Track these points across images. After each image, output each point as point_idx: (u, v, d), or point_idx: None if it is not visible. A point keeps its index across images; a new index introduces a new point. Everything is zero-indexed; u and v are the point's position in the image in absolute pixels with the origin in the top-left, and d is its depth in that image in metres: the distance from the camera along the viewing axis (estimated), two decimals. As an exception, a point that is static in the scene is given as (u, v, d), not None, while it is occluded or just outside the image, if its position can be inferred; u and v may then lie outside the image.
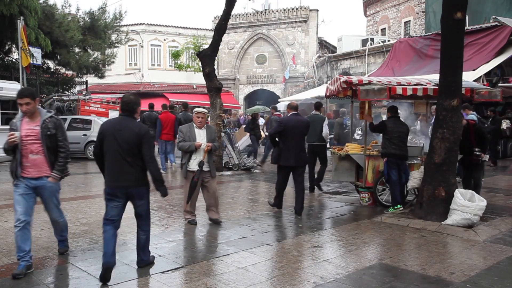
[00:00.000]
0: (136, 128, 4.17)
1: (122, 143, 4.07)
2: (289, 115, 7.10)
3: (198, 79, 24.77)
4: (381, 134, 7.25)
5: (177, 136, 6.11)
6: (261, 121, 17.47)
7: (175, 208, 7.25)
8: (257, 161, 13.24)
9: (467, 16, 7.26)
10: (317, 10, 31.54)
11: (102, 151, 4.17)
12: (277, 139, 6.91)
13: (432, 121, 9.43)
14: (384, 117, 9.90)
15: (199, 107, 6.49)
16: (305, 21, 31.10)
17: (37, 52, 14.27)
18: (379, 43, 22.53)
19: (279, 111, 19.33)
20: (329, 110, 19.65)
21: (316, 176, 8.89)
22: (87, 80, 23.03)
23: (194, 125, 6.00)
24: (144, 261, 4.34)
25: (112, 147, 4.09)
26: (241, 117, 21.32)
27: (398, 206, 6.92)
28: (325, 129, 8.77)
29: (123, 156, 4.07)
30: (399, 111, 7.47)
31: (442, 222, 6.04)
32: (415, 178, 6.89)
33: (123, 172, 4.09)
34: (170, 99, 26.40)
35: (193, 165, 5.89)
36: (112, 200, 4.11)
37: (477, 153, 7.01)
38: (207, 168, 5.92)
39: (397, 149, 6.89)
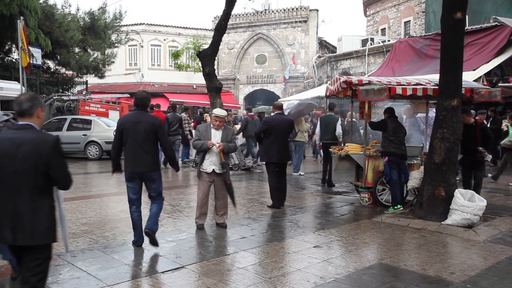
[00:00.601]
0: (151, 119, 4.88)
1: (140, 133, 4.76)
2: (273, 114, 7.55)
3: (198, 79, 24.78)
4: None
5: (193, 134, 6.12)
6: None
7: (175, 208, 7.26)
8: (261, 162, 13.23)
9: (467, 16, 7.26)
10: (317, 10, 31.55)
11: (121, 142, 4.85)
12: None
13: (418, 116, 9.60)
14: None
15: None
16: (305, 21, 31.10)
17: (37, 52, 14.27)
18: (379, 43, 22.53)
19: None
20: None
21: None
22: (87, 80, 23.03)
23: (212, 125, 5.88)
24: (150, 227, 4.87)
25: (131, 137, 4.79)
26: (243, 116, 21.13)
27: (398, 206, 6.92)
28: (339, 129, 9.45)
29: (141, 145, 4.76)
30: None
31: (442, 222, 6.04)
32: (415, 178, 6.89)
33: (140, 159, 4.79)
34: (170, 99, 26.41)
35: (206, 166, 5.78)
36: (131, 181, 4.90)
37: (482, 150, 6.99)
38: (220, 170, 5.78)
39: (396, 148, 6.90)
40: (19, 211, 2.80)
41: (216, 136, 5.78)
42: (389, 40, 23.69)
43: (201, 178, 5.85)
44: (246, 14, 32.77)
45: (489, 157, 7.25)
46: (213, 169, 5.75)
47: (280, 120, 7.23)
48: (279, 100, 28.79)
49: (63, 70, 21.94)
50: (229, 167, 5.97)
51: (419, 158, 7.42)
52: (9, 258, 3.78)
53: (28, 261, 2.83)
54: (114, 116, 16.57)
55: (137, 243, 5.01)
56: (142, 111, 4.91)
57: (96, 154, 14.80)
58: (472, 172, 7.20)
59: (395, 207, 6.91)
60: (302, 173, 11.54)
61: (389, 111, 7.26)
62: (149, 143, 4.81)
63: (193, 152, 15.19)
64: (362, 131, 12.36)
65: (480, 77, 12.99)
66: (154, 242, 4.93)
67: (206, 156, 5.78)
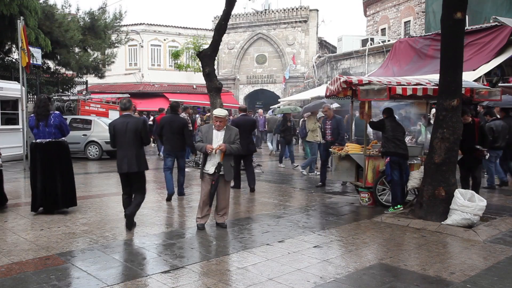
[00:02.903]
0: (182, 120, 8.28)
1: (173, 128, 7.91)
2: (239, 115, 9.75)
3: (198, 79, 24.79)
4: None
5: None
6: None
7: (175, 208, 7.26)
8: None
9: (467, 16, 7.26)
10: (317, 10, 31.57)
11: (162, 133, 8.06)
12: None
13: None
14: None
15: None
16: (305, 21, 31.11)
17: (37, 52, 14.25)
18: (379, 43, 22.53)
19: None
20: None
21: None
22: (87, 80, 23.02)
23: (213, 126, 5.84)
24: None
25: (168, 131, 7.95)
26: (261, 117, 20.39)
27: (398, 206, 6.92)
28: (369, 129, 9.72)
29: (175, 135, 7.92)
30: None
31: (442, 222, 6.04)
32: (415, 178, 6.89)
33: (174, 144, 7.99)
34: (170, 99, 26.40)
35: (208, 167, 5.76)
36: (168, 157, 8.07)
37: (480, 148, 7.00)
38: (222, 171, 5.75)
39: (396, 148, 6.92)
40: (129, 155, 5.76)
41: (218, 137, 5.74)
42: (389, 40, 23.69)
43: (204, 179, 5.82)
44: (246, 14, 32.78)
45: (487, 156, 7.25)
46: (215, 171, 5.74)
47: (244, 120, 9.18)
48: (279, 100, 28.87)
49: (63, 70, 21.92)
50: (231, 169, 5.87)
51: (419, 158, 7.43)
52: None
53: (135, 180, 5.89)
54: (114, 116, 16.55)
55: (171, 192, 7.88)
56: (175, 114, 8.24)
57: (96, 154, 14.80)
58: (469, 172, 7.22)
59: (395, 207, 6.91)
60: (304, 173, 11.56)
61: (388, 112, 7.27)
62: (178, 134, 7.96)
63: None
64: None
65: (480, 77, 12.99)
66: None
67: (208, 157, 5.76)
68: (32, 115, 6.76)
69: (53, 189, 6.60)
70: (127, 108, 5.98)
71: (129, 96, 23.73)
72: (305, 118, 12.83)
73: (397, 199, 6.96)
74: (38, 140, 6.65)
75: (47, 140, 6.61)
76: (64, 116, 15.53)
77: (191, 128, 13.38)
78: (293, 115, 19.44)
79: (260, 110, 22.08)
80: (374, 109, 11.18)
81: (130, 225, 5.81)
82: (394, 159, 6.94)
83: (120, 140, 5.83)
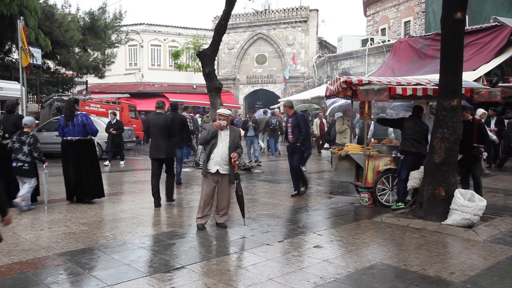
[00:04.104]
0: (182, 116, 8.98)
1: (174, 124, 7.81)
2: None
3: (198, 79, 24.79)
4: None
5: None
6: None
7: (175, 208, 7.26)
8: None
9: (467, 16, 7.26)
10: (317, 10, 31.59)
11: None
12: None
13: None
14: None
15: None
16: (305, 21, 31.12)
17: (37, 52, 14.26)
18: (379, 43, 22.54)
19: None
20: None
21: None
22: (87, 80, 23.04)
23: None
24: (178, 181, 7.53)
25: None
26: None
27: (399, 204, 7.01)
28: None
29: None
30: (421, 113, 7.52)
31: (442, 222, 6.04)
32: (415, 178, 6.89)
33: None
34: (170, 99, 26.41)
35: (211, 166, 5.72)
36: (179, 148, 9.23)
37: (478, 146, 6.98)
38: (226, 171, 5.77)
39: (411, 147, 6.97)
40: (161, 144, 7.26)
41: (222, 137, 5.77)
42: (389, 40, 23.70)
43: (207, 178, 5.79)
44: (246, 14, 32.78)
45: (484, 154, 7.20)
46: (217, 170, 5.73)
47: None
48: (279, 100, 28.87)
49: (63, 70, 21.94)
50: (233, 169, 5.85)
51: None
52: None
53: (167, 164, 7.56)
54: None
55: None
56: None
57: (96, 154, 14.77)
58: (469, 172, 7.20)
59: (397, 204, 7.02)
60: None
61: (414, 110, 7.31)
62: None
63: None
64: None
65: (480, 77, 13.00)
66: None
67: (212, 155, 5.74)
68: (62, 115, 7.63)
69: (85, 181, 7.40)
70: (160, 107, 7.58)
71: (129, 96, 23.83)
72: (335, 119, 12.63)
73: (400, 196, 7.06)
74: (68, 138, 7.41)
75: (77, 138, 7.38)
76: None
77: (191, 127, 13.48)
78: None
79: (276, 110, 21.06)
80: (374, 109, 11.27)
81: (171, 196, 7.70)
82: (408, 157, 6.99)
83: (153, 132, 7.35)
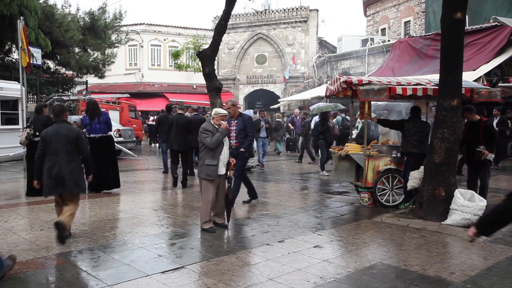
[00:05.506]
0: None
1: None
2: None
3: (198, 79, 24.78)
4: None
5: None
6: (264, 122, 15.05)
7: (175, 208, 7.26)
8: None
9: (467, 16, 7.25)
10: (317, 10, 31.55)
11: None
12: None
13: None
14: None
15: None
16: (305, 21, 31.10)
17: (37, 52, 14.23)
18: (379, 43, 22.55)
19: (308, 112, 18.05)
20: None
21: None
22: (87, 80, 23.03)
23: (216, 127, 5.74)
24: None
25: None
26: (297, 117, 18.33)
27: (408, 203, 7.10)
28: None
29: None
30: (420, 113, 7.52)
31: (442, 222, 6.04)
32: (415, 178, 6.88)
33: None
34: (170, 99, 26.40)
35: (221, 168, 5.70)
36: (164, 143, 10.09)
37: (479, 149, 6.80)
38: (223, 172, 5.80)
39: (413, 148, 6.99)
40: (178, 139, 9.47)
41: (225, 138, 5.83)
42: (389, 40, 23.71)
43: (212, 181, 5.67)
44: (246, 14, 32.76)
45: (490, 156, 6.90)
46: (229, 185, 5.86)
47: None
48: (279, 100, 28.86)
49: (63, 70, 21.93)
50: (232, 180, 6.02)
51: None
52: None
53: (182, 156, 9.79)
54: (114, 116, 16.54)
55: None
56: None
57: (96, 154, 14.76)
58: (477, 173, 7.06)
59: (405, 204, 7.16)
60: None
61: (413, 111, 7.31)
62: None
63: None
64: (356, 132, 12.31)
65: (480, 77, 13.01)
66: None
67: (220, 156, 5.71)
68: (85, 114, 8.62)
69: (104, 174, 8.30)
70: (182, 109, 9.95)
71: (129, 96, 23.82)
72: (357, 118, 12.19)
73: (407, 196, 7.14)
74: (91, 135, 8.34)
75: (99, 135, 8.36)
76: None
77: None
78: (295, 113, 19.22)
79: (297, 110, 19.80)
80: (379, 110, 11.18)
81: (185, 182, 9.28)
82: (410, 159, 7.02)
83: (174, 128, 9.40)
